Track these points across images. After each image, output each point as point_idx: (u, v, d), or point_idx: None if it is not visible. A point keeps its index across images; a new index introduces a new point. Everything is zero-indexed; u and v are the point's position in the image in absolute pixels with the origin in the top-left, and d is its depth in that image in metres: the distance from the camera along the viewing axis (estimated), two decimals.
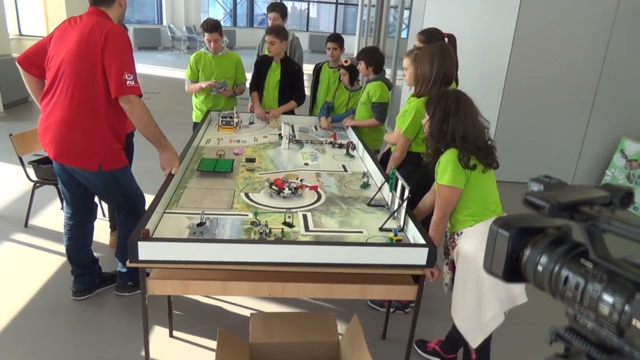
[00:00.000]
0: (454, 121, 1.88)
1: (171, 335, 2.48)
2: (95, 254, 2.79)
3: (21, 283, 2.83)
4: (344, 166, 2.89)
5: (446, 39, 2.84)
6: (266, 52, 3.84)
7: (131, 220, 2.27)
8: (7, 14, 7.21)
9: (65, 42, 2.25)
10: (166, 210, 2.13)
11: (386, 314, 2.54)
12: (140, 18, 17.10)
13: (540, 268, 0.68)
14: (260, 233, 1.96)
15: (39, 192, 3.46)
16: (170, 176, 2.35)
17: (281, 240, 1.92)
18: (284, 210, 2.15)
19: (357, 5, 13.80)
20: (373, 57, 3.44)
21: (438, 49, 2.40)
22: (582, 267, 0.64)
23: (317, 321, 2.17)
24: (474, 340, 1.95)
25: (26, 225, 3.46)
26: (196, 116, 3.87)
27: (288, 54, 4.03)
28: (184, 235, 1.91)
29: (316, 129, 3.74)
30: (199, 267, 1.86)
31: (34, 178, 3.36)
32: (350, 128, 3.54)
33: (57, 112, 2.27)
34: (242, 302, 2.77)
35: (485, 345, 2.09)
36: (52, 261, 3.06)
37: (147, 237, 1.76)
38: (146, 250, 1.74)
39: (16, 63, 2.41)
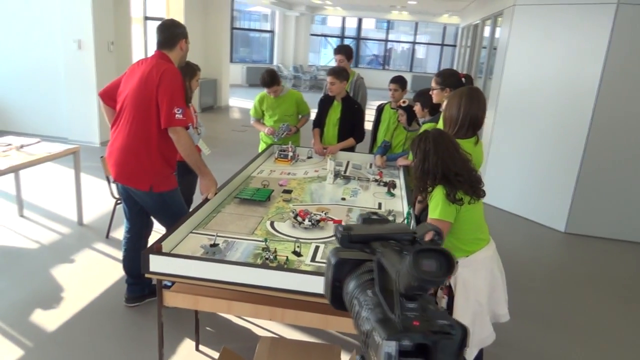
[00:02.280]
0: (433, 160, 1.95)
1: (197, 349, 2.67)
2: None
3: (89, 285, 3.24)
4: (379, 204, 2.93)
5: (463, 79, 2.81)
6: None
7: None
8: (135, 59, 8.28)
9: (132, 79, 2.64)
10: (193, 230, 2.35)
11: None
12: (257, 58, 18.63)
13: (347, 296, 0.73)
14: (266, 259, 2.08)
15: (120, 209, 3.93)
16: (205, 200, 2.59)
17: (282, 267, 2.02)
18: (295, 239, 2.26)
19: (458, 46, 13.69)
20: (429, 99, 3.46)
21: (467, 92, 2.39)
22: (365, 296, 0.67)
23: (322, 352, 2.21)
24: (470, 356, 2.14)
25: (107, 236, 3.95)
26: (261, 147, 4.17)
27: (352, 93, 4.20)
28: (198, 254, 2.10)
29: (371, 167, 3.81)
30: (210, 285, 2.03)
31: (116, 196, 3.84)
32: (402, 168, 3.56)
33: (119, 139, 2.64)
34: (270, 326, 2.89)
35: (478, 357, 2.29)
36: (120, 270, 3.44)
37: (159, 252, 1.97)
38: (157, 263, 1.95)
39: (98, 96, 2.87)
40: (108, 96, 2.82)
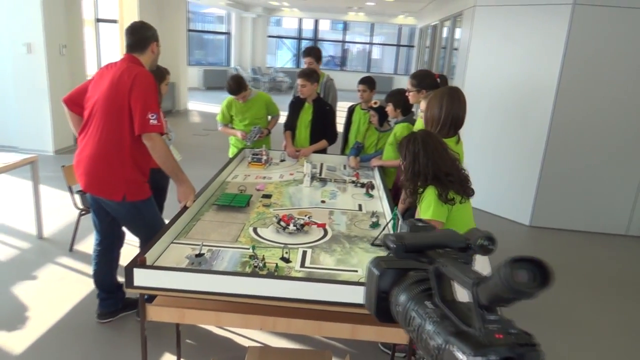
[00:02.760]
0: (423, 161, 1.95)
1: None
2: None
3: (56, 302, 3.05)
4: (359, 205, 2.91)
5: (438, 80, 2.86)
6: None
7: None
8: (88, 62, 7.86)
9: (100, 84, 2.51)
10: (174, 240, 2.25)
11: (390, 357, 2.48)
12: (213, 61, 18.30)
13: (398, 308, 0.69)
14: (255, 267, 2.01)
15: (85, 219, 3.75)
16: (184, 208, 2.49)
17: (272, 274, 1.97)
18: (282, 245, 2.21)
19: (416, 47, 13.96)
20: (400, 100, 3.49)
21: (448, 91, 2.42)
22: (424, 308, 0.64)
23: (313, 359, 2.17)
24: None
25: (71, 249, 3.75)
26: (232, 152, 4.08)
27: (322, 95, 4.18)
28: (183, 265, 2.01)
29: (345, 168, 3.80)
30: (195, 297, 1.94)
31: (81, 206, 3.66)
32: (376, 168, 3.57)
33: (88, 147, 2.50)
34: (254, 335, 2.81)
35: None
36: (87, 284, 3.28)
37: (143, 265, 1.87)
38: (141, 277, 1.85)
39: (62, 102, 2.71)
40: (73, 102, 2.67)
